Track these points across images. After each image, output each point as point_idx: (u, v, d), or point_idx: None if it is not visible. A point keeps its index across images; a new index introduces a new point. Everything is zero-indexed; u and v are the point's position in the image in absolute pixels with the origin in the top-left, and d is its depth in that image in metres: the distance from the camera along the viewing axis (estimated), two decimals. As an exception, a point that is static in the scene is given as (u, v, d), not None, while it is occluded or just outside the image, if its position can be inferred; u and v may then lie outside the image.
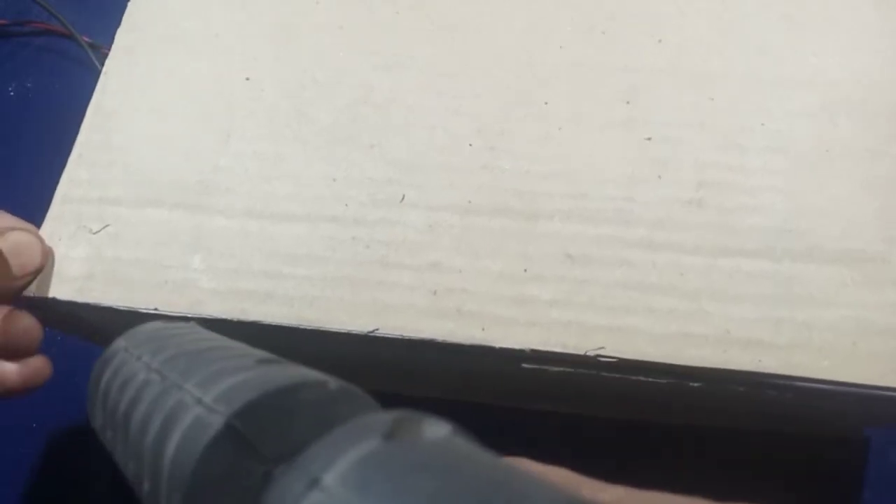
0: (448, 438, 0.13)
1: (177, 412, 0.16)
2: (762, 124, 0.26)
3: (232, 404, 0.15)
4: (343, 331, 0.25)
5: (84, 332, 0.29)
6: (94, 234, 0.27)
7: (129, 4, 0.32)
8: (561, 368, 0.24)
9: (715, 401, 0.26)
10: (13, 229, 0.26)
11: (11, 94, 0.45)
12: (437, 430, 0.13)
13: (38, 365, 0.27)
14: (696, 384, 0.24)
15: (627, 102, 0.27)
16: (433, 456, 0.12)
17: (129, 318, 0.26)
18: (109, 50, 0.31)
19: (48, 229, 0.27)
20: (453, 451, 0.13)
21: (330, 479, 0.12)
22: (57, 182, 0.28)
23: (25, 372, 0.27)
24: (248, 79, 0.29)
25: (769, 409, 0.26)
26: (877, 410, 0.24)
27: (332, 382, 0.16)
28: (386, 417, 0.13)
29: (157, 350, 0.20)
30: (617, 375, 0.24)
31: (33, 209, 0.28)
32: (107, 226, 0.27)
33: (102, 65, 0.31)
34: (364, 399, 0.16)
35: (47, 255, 0.26)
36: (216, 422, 0.15)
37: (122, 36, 0.31)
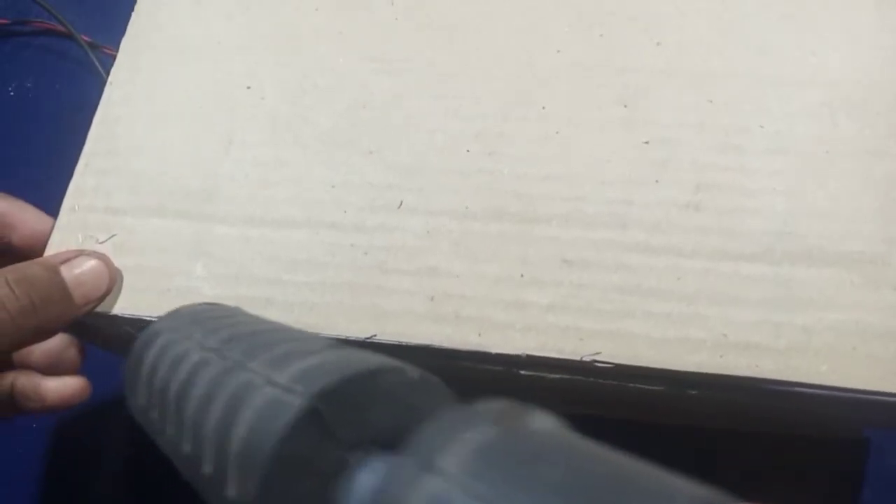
0: (557, 429, 0.13)
1: (245, 391, 0.15)
2: (761, 125, 0.26)
3: (311, 386, 0.14)
4: (342, 336, 0.25)
5: (88, 337, 0.30)
6: (101, 243, 0.28)
7: (133, 14, 0.32)
8: (558, 375, 0.25)
9: (714, 406, 0.26)
10: (81, 255, 0.26)
11: (11, 94, 0.46)
12: (544, 421, 0.13)
13: (78, 385, 0.28)
14: (693, 391, 0.24)
15: (625, 105, 0.27)
16: (551, 446, 0.12)
17: (134, 325, 0.26)
18: (109, 49, 0.31)
19: (57, 238, 0.28)
20: (569, 442, 0.12)
21: (448, 464, 0.11)
22: (57, 181, 0.29)
23: (64, 391, 0.28)
24: (249, 87, 0.30)
25: (769, 413, 0.26)
26: (877, 414, 0.24)
27: (411, 370, 0.15)
28: (492, 406, 0.13)
29: (210, 330, 0.19)
30: (614, 382, 0.24)
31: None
32: (113, 235, 0.28)
33: (102, 65, 0.31)
34: (442, 389, 0.15)
35: (115, 280, 0.26)
36: (295, 402, 0.14)
37: (126, 45, 0.32)
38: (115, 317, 0.26)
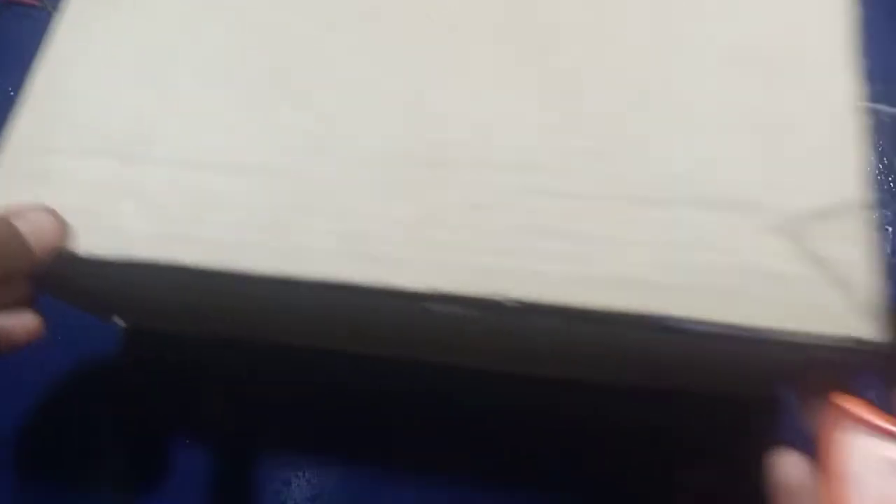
0: None
1: None
2: (670, 80, 0.27)
3: None
4: (260, 273, 0.26)
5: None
6: (37, 182, 0.29)
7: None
8: (463, 311, 0.26)
9: (618, 349, 0.27)
10: (31, 210, 0.27)
11: (11, 94, 0.47)
12: None
13: (36, 319, 0.29)
14: (593, 328, 0.25)
15: (545, 59, 0.28)
16: None
17: (68, 261, 0.28)
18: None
19: None
20: None
21: None
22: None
23: (28, 325, 0.29)
24: (186, 35, 0.31)
25: (669, 358, 0.27)
26: (764, 357, 0.25)
27: None
28: None
29: None
30: (518, 320, 0.25)
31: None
32: (49, 174, 0.29)
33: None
34: None
35: (66, 233, 0.27)
36: None
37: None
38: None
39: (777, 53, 0.27)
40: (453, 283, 0.25)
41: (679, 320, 0.24)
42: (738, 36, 0.28)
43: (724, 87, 0.27)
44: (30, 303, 0.30)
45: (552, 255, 0.25)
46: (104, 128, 0.29)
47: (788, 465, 0.24)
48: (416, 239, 0.26)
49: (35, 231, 0.26)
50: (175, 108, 0.29)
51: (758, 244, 0.24)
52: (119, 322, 0.40)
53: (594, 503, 0.35)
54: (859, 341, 0.23)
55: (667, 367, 0.30)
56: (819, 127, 0.26)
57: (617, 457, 0.35)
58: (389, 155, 0.27)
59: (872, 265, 0.24)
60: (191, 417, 0.39)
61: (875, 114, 0.40)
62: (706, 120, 0.27)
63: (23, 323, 0.29)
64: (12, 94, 0.46)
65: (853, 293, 0.24)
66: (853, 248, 0.24)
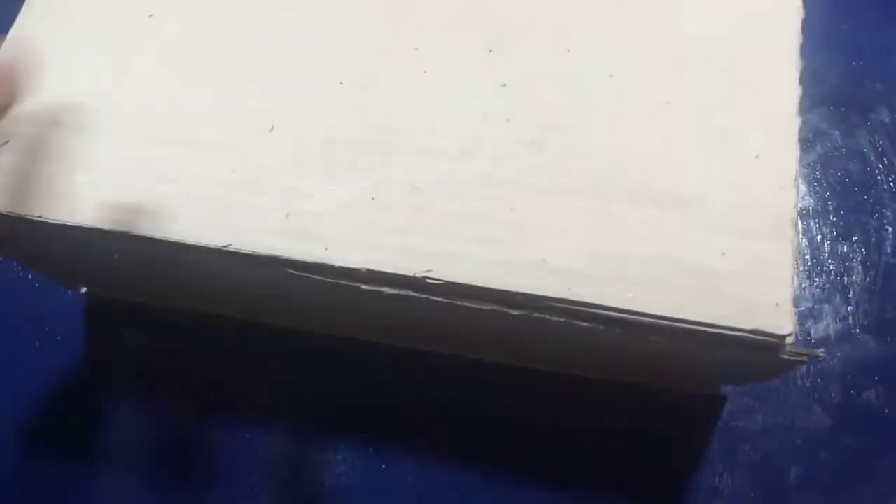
0: None
1: None
2: (611, 75, 0.28)
3: None
4: (200, 244, 0.27)
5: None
6: (-2, 147, 0.30)
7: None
8: (394, 290, 0.26)
9: (542, 336, 0.28)
10: None
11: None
12: None
13: None
14: (515, 311, 0.26)
15: (490, 50, 0.29)
16: None
17: (15, 223, 0.28)
18: None
19: None
20: None
21: None
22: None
23: None
24: (151, 15, 0.32)
25: (595, 346, 0.27)
26: (686, 350, 0.26)
27: None
28: None
29: None
30: (443, 300, 0.26)
31: None
32: (7, 141, 0.30)
33: None
34: None
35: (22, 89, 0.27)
36: None
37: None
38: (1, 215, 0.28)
39: (727, 52, 0.28)
40: (384, 263, 0.26)
41: (592, 306, 0.25)
42: (690, 33, 0.28)
43: (672, 83, 0.28)
44: None
45: (481, 239, 0.26)
46: (64, 99, 0.30)
47: None
48: (355, 219, 0.27)
49: None
50: (133, 83, 0.30)
51: (684, 239, 0.25)
52: (84, 290, 0.41)
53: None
54: (773, 336, 0.24)
55: (598, 354, 0.31)
56: (761, 130, 0.27)
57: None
58: (335, 136, 0.28)
59: (792, 264, 0.24)
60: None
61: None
62: (651, 115, 0.27)
63: None
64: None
65: (771, 290, 0.24)
66: (775, 247, 0.25)
